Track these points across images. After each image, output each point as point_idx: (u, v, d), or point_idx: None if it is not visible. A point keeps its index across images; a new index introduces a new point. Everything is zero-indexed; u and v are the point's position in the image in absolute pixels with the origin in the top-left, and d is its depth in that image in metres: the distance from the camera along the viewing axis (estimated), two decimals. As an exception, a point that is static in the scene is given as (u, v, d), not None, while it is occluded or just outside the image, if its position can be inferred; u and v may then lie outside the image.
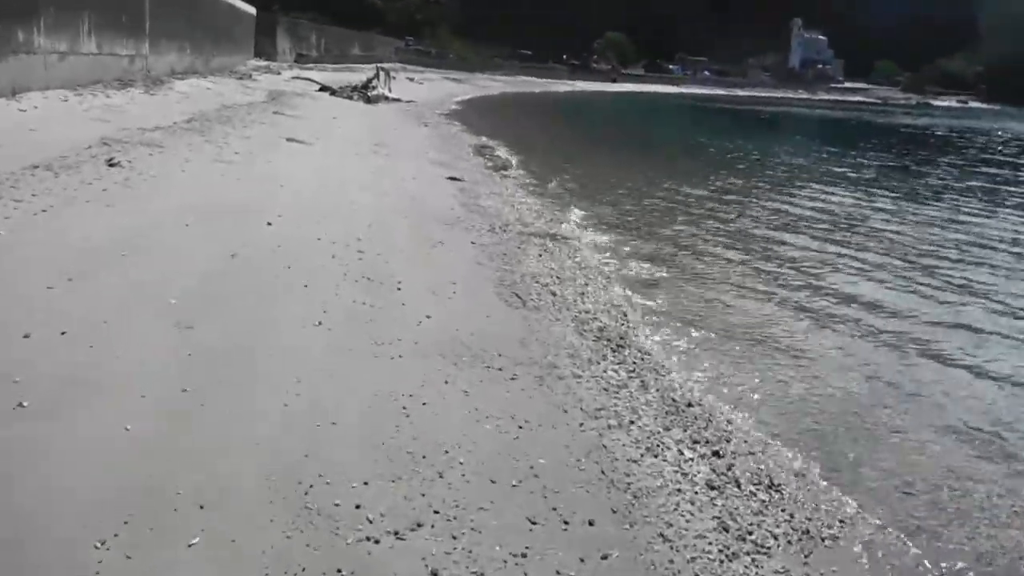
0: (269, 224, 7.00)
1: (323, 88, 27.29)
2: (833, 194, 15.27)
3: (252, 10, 33.59)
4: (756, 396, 4.81)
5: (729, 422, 4.33)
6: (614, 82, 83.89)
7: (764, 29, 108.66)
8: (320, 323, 4.74)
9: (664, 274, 7.66)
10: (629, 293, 6.76)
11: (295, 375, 3.93)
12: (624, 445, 3.79)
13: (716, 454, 3.88)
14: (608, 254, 8.31)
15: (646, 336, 5.64)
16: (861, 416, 4.72)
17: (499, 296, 5.94)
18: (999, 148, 33.27)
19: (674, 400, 4.47)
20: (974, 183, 19.10)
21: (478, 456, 3.43)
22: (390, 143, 15.31)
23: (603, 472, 3.49)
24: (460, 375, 4.28)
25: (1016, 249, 10.94)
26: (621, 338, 5.41)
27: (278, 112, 17.60)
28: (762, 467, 3.87)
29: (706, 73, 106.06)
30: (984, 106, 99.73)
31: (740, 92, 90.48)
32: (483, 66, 72.12)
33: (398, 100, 28.40)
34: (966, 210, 14.38)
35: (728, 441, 4.07)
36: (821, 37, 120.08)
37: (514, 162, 15.73)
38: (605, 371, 4.73)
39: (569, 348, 5.00)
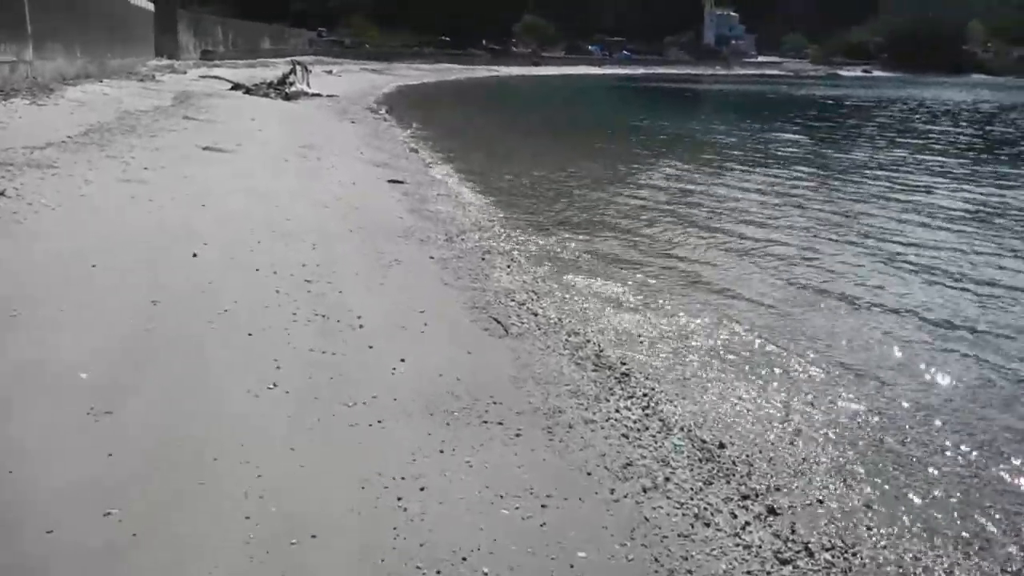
0: (195, 255, 6.07)
1: (236, 86, 25.77)
2: (785, 172, 14.98)
3: (150, 5, 31.56)
4: (784, 420, 4.21)
5: (770, 461, 3.71)
6: (536, 65, 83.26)
7: (678, 7, 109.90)
8: (275, 385, 3.92)
9: (645, 279, 7.01)
10: (614, 306, 6.09)
11: (254, 469, 3.12)
12: (668, 514, 3.13)
13: (772, 511, 3.26)
14: (578, 258, 7.63)
15: (646, 356, 4.98)
16: (888, 431, 4.18)
17: (477, 324, 5.20)
18: (913, 115, 34.09)
19: (703, 441, 3.82)
20: (897, 152, 19.20)
21: (505, 559, 2.71)
22: (319, 144, 14.28)
23: (656, 559, 2.82)
24: (457, 439, 3.54)
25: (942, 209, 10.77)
26: (623, 363, 4.75)
27: (189, 116, 16.31)
28: (826, 520, 3.26)
29: (625, 53, 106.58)
30: (886, 74, 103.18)
31: (660, 70, 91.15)
32: (402, 55, 70.41)
33: (318, 95, 27.09)
34: (897, 179, 14.29)
35: (779, 490, 3.45)
36: (733, 13, 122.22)
37: (454, 157, 14.90)
38: (617, 410, 4.05)
39: (570, 384, 4.31)
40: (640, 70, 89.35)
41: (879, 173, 14.99)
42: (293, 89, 26.53)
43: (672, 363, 4.87)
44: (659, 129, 22.94)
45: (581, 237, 8.61)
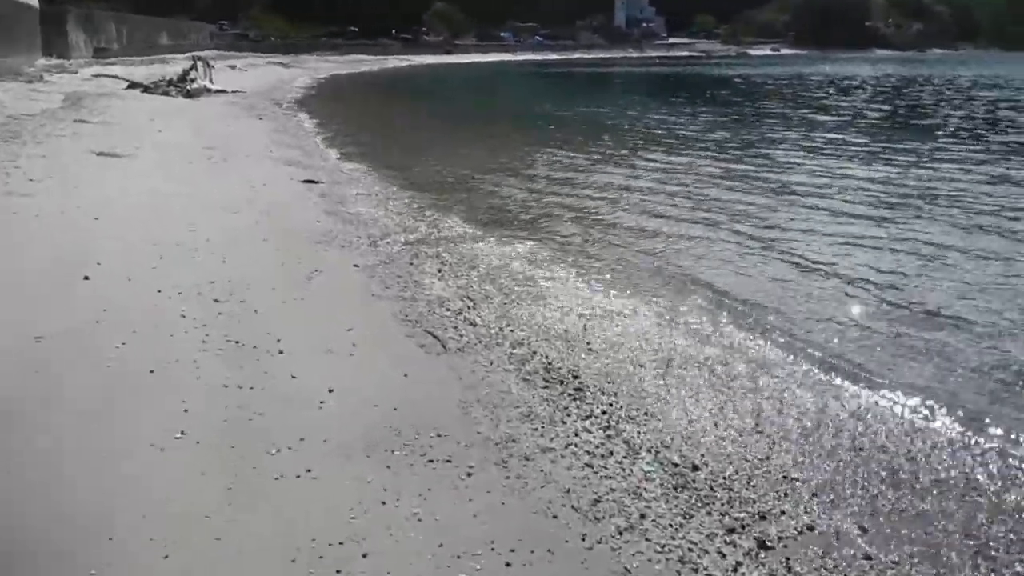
0: (87, 278, 5.38)
1: (133, 85, 24.28)
2: (711, 151, 14.91)
3: (34, 1, 29.44)
4: (755, 431, 3.89)
5: (749, 482, 3.38)
6: (449, 54, 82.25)
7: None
8: (183, 434, 3.36)
9: (588, 278, 6.63)
10: (558, 309, 5.69)
11: (160, 548, 2.58)
12: (651, 560, 2.74)
13: (763, 545, 2.92)
14: (513, 258, 7.20)
15: (599, 365, 4.59)
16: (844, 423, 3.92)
17: (412, 340, 4.71)
18: (827, 90, 35.02)
19: (675, 464, 3.46)
20: (815, 130, 19.50)
21: (472, 645, 2.27)
22: (226, 144, 13.41)
23: (646, 622, 2.43)
24: (401, 485, 3.07)
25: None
26: (575, 376, 4.35)
27: (82, 119, 15.14)
28: (821, 551, 2.94)
29: (538, 38, 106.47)
30: (795, 52, 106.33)
31: (573, 55, 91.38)
32: (310, 47, 68.41)
33: (223, 92, 25.81)
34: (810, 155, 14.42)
35: (764, 517, 3.11)
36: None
37: (372, 152, 14.24)
38: (576, 433, 3.66)
39: (521, 405, 3.89)
40: (553, 56, 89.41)
41: (799, 152, 15.08)
42: (195, 86, 25.20)
43: (627, 372, 4.50)
44: (578, 116, 22.70)
45: (515, 234, 8.18)
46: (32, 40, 29.10)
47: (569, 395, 4.06)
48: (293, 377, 4.01)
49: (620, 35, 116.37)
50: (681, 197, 10.37)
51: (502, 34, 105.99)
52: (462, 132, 18.58)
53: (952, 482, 3.45)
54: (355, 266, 6.41)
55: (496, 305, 5.65)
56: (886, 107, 26.20)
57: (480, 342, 4.78)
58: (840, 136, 17.44)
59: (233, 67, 38.45)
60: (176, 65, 31.43)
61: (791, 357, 4.85)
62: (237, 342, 4.43)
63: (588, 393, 4.11)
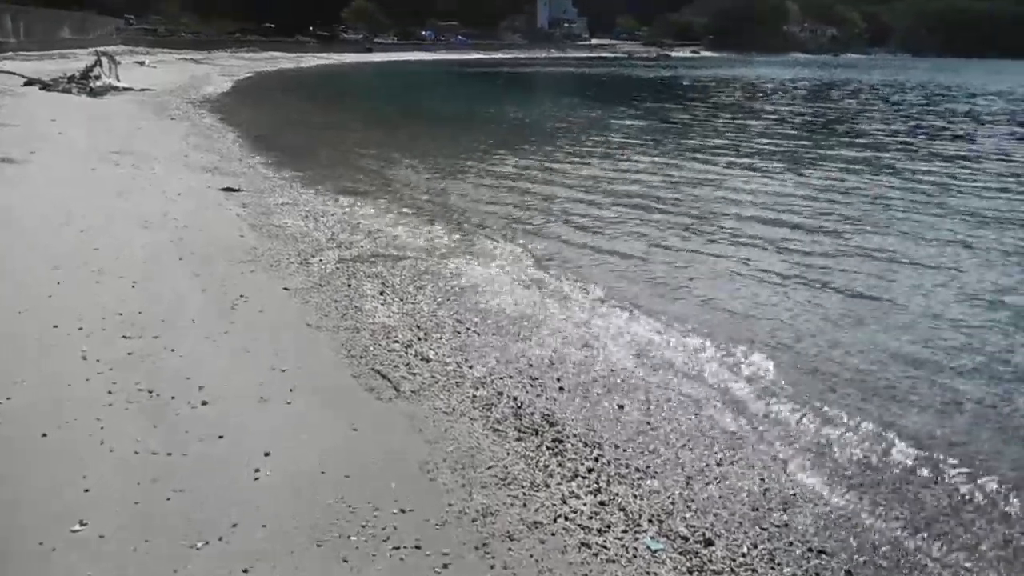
0: (-31, 310, 4.57)
1: (30, 82, 22.54)
2: (648, 160, 14.63)
3: (-86, -10, 27.11)
4: (764, 492, 3.43)
5: (771, 559, 2.91)
6: (368, 52, 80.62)
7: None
8: (82, 525, 2.69)
9: (545, 293, 6.12)
10: (516, 335, 5.16)
11: None
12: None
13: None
14: (459, 273, 6.63)
15: (575, 406, 4.09)
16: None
17: (359, 382, 4.10)
18: (749, 93, 35.62)
19: (684, 539, 2.97)
20: (736, 134, 19.59)
21: None
22: (136, 147, 12.37)
23: None
24: (362, 589, 2.48)
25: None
26: (550, 422, 3.84)
27: (-29, 119, 13.79)
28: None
29: (459, 38, 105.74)
30: (713, 54, 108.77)
31: (495, 55, 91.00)
32: (224, 44, 65.78)
33: (130, 89, 24.28)
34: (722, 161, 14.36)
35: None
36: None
37: (295, 157, 13.38)
38: (564, 501, 3.14)
39: (495, 464, 3.35)
40: (474, 55, 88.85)
41: (724, 157, 14.98)
42: (100, 83, 23.57)
43: (607, 414, 4.01)
44: (495, 117, 22.25)
45: (457, 244, 7.62)
46: (-85, 32, 26.82)
47: (548, 448, 3.54)
48: (220, 437, 3.36)
49: (542, 35, 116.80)
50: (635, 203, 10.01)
51: (423, 32, 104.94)
52: (388, 134, 17.82)
53: None
54: (286, 290, 5.73)
55: (449, 334, 5.08)
56: (806, 111, 26.62)
57: (437, 382, 4.20)
58: (764, 143, 17.48)
59: (141, 63, 36.51)
60: (78, 61, 29.52)
61: (783, 392, 4.46)
62: (151, 392, 3.74)
63: (569, 445, 3.60)
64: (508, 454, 3.44)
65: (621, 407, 4.08)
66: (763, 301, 6.14)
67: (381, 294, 5.87)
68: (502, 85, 42.31)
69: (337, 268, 6.49)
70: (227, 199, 9.07)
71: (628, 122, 20.94)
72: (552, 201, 10.17)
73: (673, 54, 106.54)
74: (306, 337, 4.77)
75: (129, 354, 4.19)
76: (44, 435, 3.25)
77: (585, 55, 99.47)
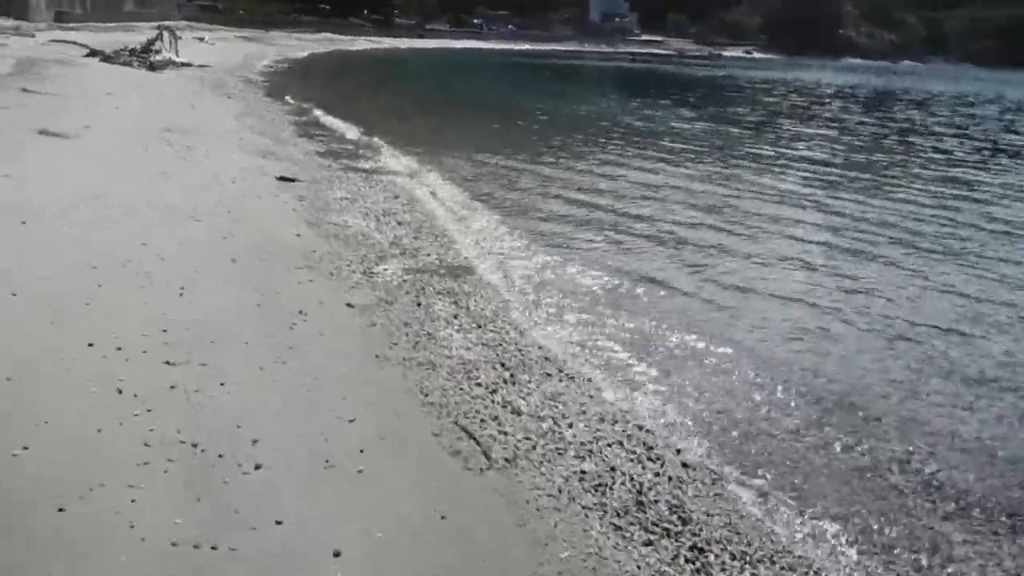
0: (-6, 323, 3.96)
1: (92, 53, 22.37)
2: (744, 173, 13.72)
3: (-9, -41, 27.21)
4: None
5: None
6: (421, 38, 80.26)
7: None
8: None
9: (656, 327, 5.35)
10: (629, 382, 4.40)
11: None
12: None
13: None
14: (545, 288, 5.89)
15: (702, 486, 3.33)
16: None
17: (440, 442, 3.39)
18: (817, 100, 34.21)
19: None
20: (810, 143, 18.47)
21: None
22: (190, 126, 11.84)
23: None
24: None
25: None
26: (680, 518, 3.08)
27: (29, 89, 13.41)
28: None
29: (510, 27, 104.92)
30: (766, 56, 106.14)
31: (546, 47, 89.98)
32: (280, 23, 65.94)
33: (188, 65, 23.96)
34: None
35: None
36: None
37: (354, 144, 12.79)
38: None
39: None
40: (526, 45, 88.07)
41: (807, 166, 13.98)
42: (159, 58, 23.28)
43: (751, 506, 3.24)
44: (571, 113, 21.42)
45: (545, 259, 6.86)
46: (-12, 0, 26.92)
47: (688, 561, 2.78)
48: (278, 523, 2.67)
49: (593, 29, 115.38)
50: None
51: (474, 21, 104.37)
52: (446, 124, 17.12)
53: None
54: (349, 306, 5.05)
55: (538, 375, 4.35)
56: (870, 121, 25.12)
57: (534, 446, 3.48)
58: (829, 155, 16.36)
59: (201, 39, 36.43)
60: (140, 34, 29.37)
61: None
62: (195, 445, 3.07)
63: (712, 556, 2.84)
64: (640, 568, 2.69)
65: (763, 497, 3.31)
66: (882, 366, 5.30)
67: (455, 317, 5.16)
68: (555, 78, 41.37)
69: (404, 281, 5.80)
70: (283, 190, 8.44)
71: (686, 125, 19.89)
72: (618, 213, 9.38)
73: (726, 54, 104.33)
74: (375, 373, 4.07)
75: (172, 387, 3.53)
76: (61, 509, 2.59)
77: (635, 50, 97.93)
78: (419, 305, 5.29)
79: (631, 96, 29.81)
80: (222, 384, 3.64)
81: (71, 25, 32.70)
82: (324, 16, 77.36)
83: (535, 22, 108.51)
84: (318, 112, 16.38)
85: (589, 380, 4.37)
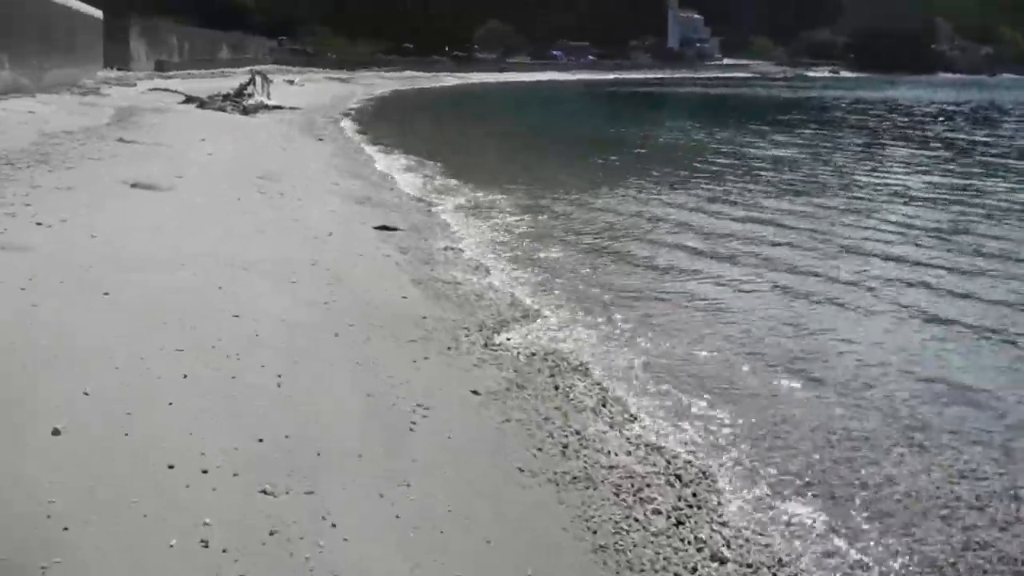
0: (56, 433, 3.22)
1: (188, 99, 22.75)
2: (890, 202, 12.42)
3: (98, 13, 28.27)
4: None
5: None
6: (502, 72, 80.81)
7: (640, 10, 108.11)
8: None
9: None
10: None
11: None
12: None
13: None
14: (706, 381, 4.89)
15: None
16: None
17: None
18: (917, 118, 32.03)
19: None
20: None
21: None
22: (282, 172, 11.40)
23: None
24: None
25: None
26: None
27: (125, 140, 13.31)
28: None
29: (590, 58, 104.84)
30: (853, 75, 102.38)
31: (628, 75, 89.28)
32: (366, 63, 67.50)
33: (280, 108, 24.14)
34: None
35: None
36: (696, 16, 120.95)
37: (449, 185, 12.12)
38: None
39: None
40: (608, 75, 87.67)
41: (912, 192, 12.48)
42: (252, 102, 23.53)
43: None
44: (670, 143, 20.34)
45: (692, 345, 5.84)
46: (95, 52, 27.95)
47: None
48: None
49: (673, 55, 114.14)
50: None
51: (554, 53, 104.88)
52: (540, 161, 16.29)
53: None
54: (475, 394, 4.17)
55: (734, 489, 3.34)
56: (979, 139, 22.86)
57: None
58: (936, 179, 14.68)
59: (291, 82, 37.18)
60: (233, 79, 30.04)
61: None
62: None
63: None
64: None
65: None
66: None
67: (603, 406, 4.22)
68: (638, 106, 40.33)
69: (532, 355, 4.90)
70: (383, 240, 7.74)
71: (774, 151, 18.42)
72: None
73: (810, 74, 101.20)
74: (520, 496, 3.16)
75: (272, 533, 2.70)
76: None
77: (719, 75, 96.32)
78: (557, 389, 4.37)
79: (718, 123, 28.31)
80: (333, 526, 2.78)
81: (170, 73, 33.79)
82: (407, 55, 78.98)
83: (614, 51, 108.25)
84: (408, 155, 15.84)
85: (806, 505, 3.33)
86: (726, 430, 4.08)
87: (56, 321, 4.44)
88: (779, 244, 8.81)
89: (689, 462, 3.70)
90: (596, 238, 8.86)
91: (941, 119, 30.44)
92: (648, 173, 14.37)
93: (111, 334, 4.36)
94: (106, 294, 5.08)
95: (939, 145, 20.63)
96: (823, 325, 6.01)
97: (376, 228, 8.28)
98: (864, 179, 14.25)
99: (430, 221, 9.13)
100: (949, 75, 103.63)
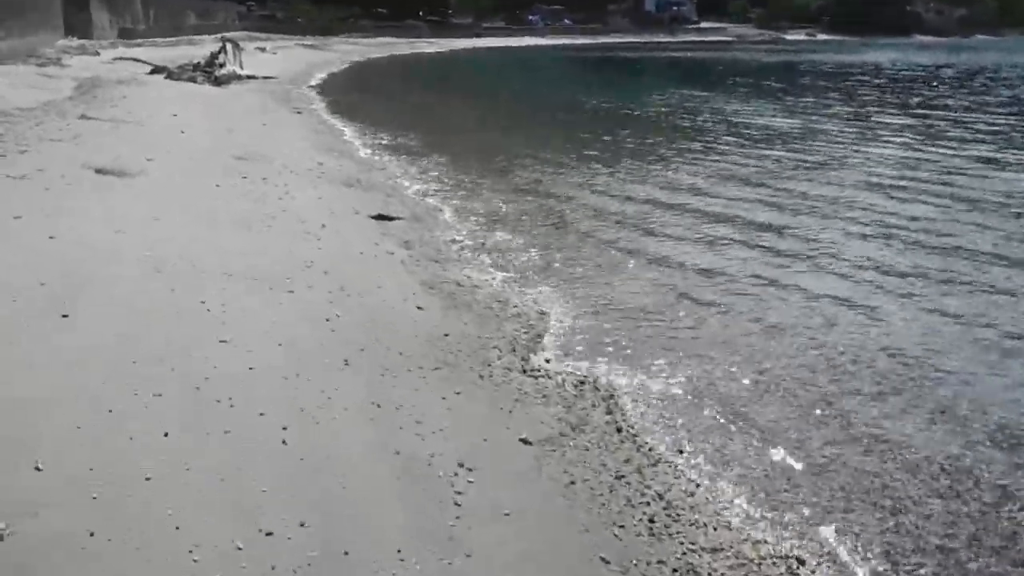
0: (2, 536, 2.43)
1: (156, 70, 21.41)
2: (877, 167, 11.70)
3: (56, -21, 26.68)
4: None
5: None
6: (479, 37, 79.09)
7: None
8: None
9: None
10: None
11: None
12: None
13: None
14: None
15: None
16: None
17: None
18: (904, 82, 31.35)
19: None
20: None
21: None
22: (262, 151, 10.45)
23: None
24: None
25: None
26: None
27: (89, 116, 12.22)
28: None
29: (567, 22, 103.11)
30: (830, 37, 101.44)
31: (604, 39, 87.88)
32: (338, 29, 65.41)
33: (253, 77, 22.92)
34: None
35: None
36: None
37: (440, 165, 11.22)
38: None
39: None
40: (584, 40, 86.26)
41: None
42: (224, 71, 22.24)
43: None
44: (650, 111, 19.47)
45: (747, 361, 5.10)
46: (53, 19, 26.33)
47: None
48: None
49: (650, 19, 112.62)
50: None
51: (530, 17, 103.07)
52: (532, 134, 15.37)
53: None
54: (525, 443, 3.41)
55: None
56: (973, 105, 22.07)
57: None
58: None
59: (262, 49, 35.61)
60: (204, 47, 28.57)
61: None
62: None
63: None
64: None
65: None
66: None
67: (680, 453, 3.48)
68: (619, 71, 39.26)
69: (581, 383, 4.14)
70: (383, 234, 6.90)
71: (763, 120, 17.65)
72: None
73: (788, 37, 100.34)
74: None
75: None
76: None
77: (696, 39, 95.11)
78: (619, 431, 3.63)
79: (703, 88, 27.32)
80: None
81: (135, 41, 32.13)
82: (381, 19, 76.84)
83: (591, 15, 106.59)
84: (394, 129, 14.82)
85: None
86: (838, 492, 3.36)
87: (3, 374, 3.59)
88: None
89: (797, 529, 2.98)
90: (613, 226, 8.06)
91: (936, 84, 29.75)
92: (655, 150, 13.55)
93: (69, 379, 3.53)
94: (65, 316, 4.23)
95: (945, 113, 19.98)
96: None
97: (373, 217, 7.44)
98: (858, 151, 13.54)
99: (429, 208, 8.28)
100: (925, 37, 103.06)
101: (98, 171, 8.20)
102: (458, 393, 3.85)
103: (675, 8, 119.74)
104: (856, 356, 4.73)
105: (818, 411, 4.02)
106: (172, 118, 12.91)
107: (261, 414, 3.39)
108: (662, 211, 8.72)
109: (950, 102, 21.94)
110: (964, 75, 34.95)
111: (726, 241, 7.45)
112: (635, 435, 3.61)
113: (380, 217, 7.46)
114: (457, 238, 7.10)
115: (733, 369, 4.50)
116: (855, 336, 5.07)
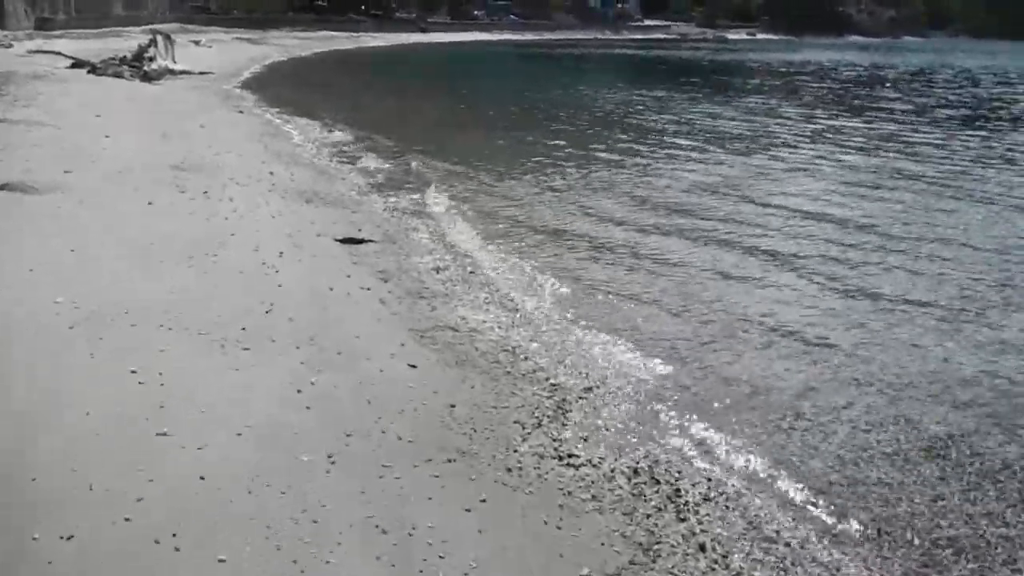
0: None
1: (78, 64, 19.72)
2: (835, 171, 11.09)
3: (-38, -39, 24.53)
4: None
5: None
6: (424, 32, 77.59)
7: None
8: None
9: None
10: None
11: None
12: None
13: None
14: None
15: None
16: None
17: None
18: (842, 84, 31.37)
19: None
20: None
21: None
22: (203, 158, 9.23)
23: None
24: None
25: None
26: None
27: (-2, 117, 10.81)
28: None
29: (512, 18, 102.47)
30: (770, 37, 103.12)
31: (549, 36, 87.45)
32: (277, 22, 63.15)
33: (188, 73, 21.33)
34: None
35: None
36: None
37: (405, 170, 10.15)
38: None
39: None
40: (530, 35, 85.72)
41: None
42: (155, 66, 20.58)
43: None
44: (604, 109, 18.69)
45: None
46: (-42, 8, 24.28)
47: None
48: None
49: (596, 16, 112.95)
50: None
51: (475, 12, 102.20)
52: (489, 134, 14.33)
53: None
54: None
55: None
56: (903, 103, 21.99)
57: None
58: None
59: (197, 43, 33.72)
60: (131, 40, 26.60)
61: None
62: None
63: None
64: None
65: None
66: None
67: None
68: (569, 70, 38.30)
69: (636, 474, 3.22)
70: (355, 262, 5.84)
71: (724, 122, 17.03)
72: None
73: (730, 36, 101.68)
74: None
75: None
76: None
77: (640, 36, 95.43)
78: (703, 550, 2.71)
79: (653, 87, 26.53)
80: None
81: (55, 33, 29.94)
82: (321, 13, 74.73)
83: (536, 12, 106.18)
84: (348, 129, 13.64)
85: None
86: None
87: None
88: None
89: None
90: (616, 237, 7.16)
91: (886, 85, 29.77)
92: (637, 152, 12.72)
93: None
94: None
95: (901, 114, 19.69)
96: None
97: (340, 241, 6.36)
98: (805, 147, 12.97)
99: (404, 227, 7.22)
100: (858, 38, 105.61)
101: (2, 187, 6.93)
102: (483, 501, 2.88)
103: (619, 5, 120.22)
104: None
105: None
106: (95, 120, 11.53)
107: (221, 560, 2.37)
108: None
109: (898, 105, 21.81)
110: (905, 76, 35.30)
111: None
112: (730, 558, 2.69)
113: (348, 240, 6.39)
114: (440, 265, 6.08)
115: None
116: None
